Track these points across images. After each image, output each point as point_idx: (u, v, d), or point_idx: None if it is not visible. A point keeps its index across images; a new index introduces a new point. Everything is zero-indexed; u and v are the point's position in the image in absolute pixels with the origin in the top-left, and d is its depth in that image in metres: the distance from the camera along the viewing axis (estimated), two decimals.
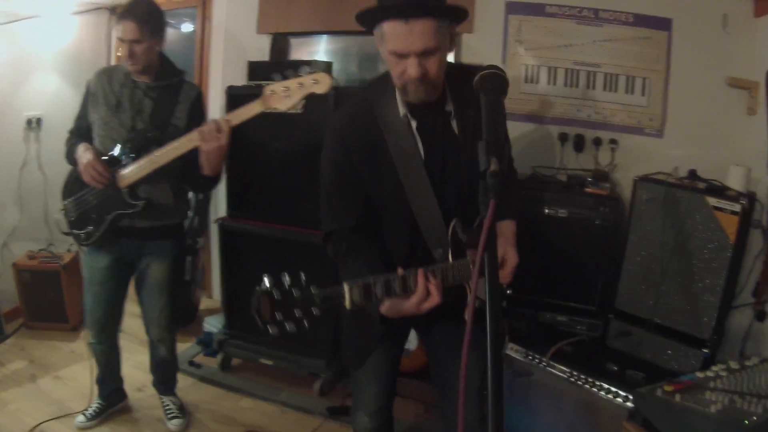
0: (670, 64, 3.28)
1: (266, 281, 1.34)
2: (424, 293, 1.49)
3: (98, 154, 2.44)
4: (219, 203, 4.11)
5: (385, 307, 1.56)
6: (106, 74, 2.59)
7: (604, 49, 3.36)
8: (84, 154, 2.43)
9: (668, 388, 1.74)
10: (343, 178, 1.79)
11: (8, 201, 4.19)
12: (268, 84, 2.15)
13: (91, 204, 2.54)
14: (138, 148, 2.43)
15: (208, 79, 4.11)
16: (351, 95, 2.36)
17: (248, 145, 3.25)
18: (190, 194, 3.84)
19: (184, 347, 3.72)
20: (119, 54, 2.53)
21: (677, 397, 1.69)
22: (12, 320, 4.10)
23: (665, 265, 2.80)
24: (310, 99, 3.03)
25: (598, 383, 2.49)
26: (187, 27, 4.64)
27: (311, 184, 3.10)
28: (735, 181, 2.82)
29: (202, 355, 3.62)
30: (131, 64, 2.47)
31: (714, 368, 1.90)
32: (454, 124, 1.72)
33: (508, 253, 1.74)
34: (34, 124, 4.23)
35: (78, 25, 4.50)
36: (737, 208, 2.63)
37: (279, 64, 3.36)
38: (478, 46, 3.46)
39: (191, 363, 3.52)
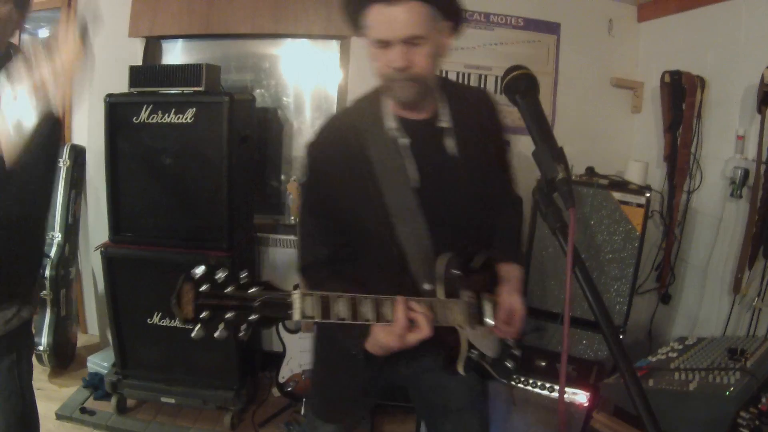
0: (558, 66, 3.41)
1: (196, 269, 1.07)
2: (404, 322, 1.30)
3: None
4: (90, 227, 3.70)
5: (370, 339, 1.38)
6: None
7: (495, 52, 3.42)
8: None
9: None
10: (321, 203, 1.60)
11: None
12: None
13: None
14: None
15: (72, 86, 3.66)
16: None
17: (132, 162, 2.91)
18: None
19: (70, 392, 3.26)
20: None
21: (650, 382, 1.71)
22: None
23: None
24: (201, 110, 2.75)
25: (540, 383, 2.50)
26: (44, 33, 4.11)
27: (205, 201, 2.89)
28: (634, 175, 2.97)
29: (93, 399, 3.18)
30: None
31: (661, 351, 1.96)
32: (449, 142, 1.54)
33: (515, 302, 1.53)
34: None
35: None
36: (642, 200, 2.78)
37: (164, 69, 3.03)
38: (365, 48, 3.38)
39: (83, 410, 3.08)
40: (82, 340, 3.74)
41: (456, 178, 1.55)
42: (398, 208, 1.51)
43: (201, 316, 1.05)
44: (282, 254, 3.32)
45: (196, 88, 2.86)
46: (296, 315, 1.16)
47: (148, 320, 2.97)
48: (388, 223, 1.51)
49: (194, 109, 2.81)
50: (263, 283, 1.12)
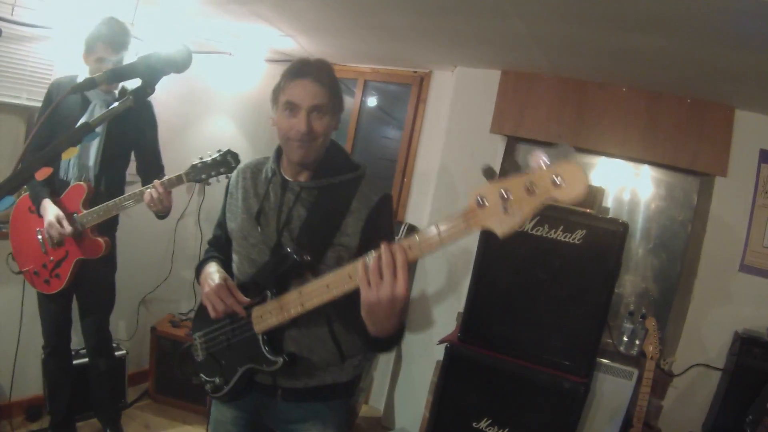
0: None
1: None
2: None
3: (228, 278, 1.67)
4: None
5: None
6: (252, 169, 1.79)
7: None
8: (210, 275, 1.68)
9: None
10: None
11: (160, 252, 3.74)
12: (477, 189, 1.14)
13: (221, 346, 1.72)
14: (282, 279, 1.57)
15: (414, 166, 3.76)
16: None
17: (502, 265, 2.89)
18: None
19: None
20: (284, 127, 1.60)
21: None
22: (134, 384, 3.62)
23: None
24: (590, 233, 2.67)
25: None
26: (373, 102, 4.30)
27: (568, 321, 2.77)
28: None
29: None
30: (304, 147, 1.58)
31: None
32: None
33: None
34: None
35: (265, 74, 4.15)
36: None
37: None
38: (729, 190, 3.22)
39: None
40: (362, 410, 3.74)
41: None
42: None
43: None
44: (609, 382, 3.05)
45: (585, 209, 2.80)
46: None
47: (474, 424, 2.87)
48: None
49: (584, 231, 2.75)
50: None
